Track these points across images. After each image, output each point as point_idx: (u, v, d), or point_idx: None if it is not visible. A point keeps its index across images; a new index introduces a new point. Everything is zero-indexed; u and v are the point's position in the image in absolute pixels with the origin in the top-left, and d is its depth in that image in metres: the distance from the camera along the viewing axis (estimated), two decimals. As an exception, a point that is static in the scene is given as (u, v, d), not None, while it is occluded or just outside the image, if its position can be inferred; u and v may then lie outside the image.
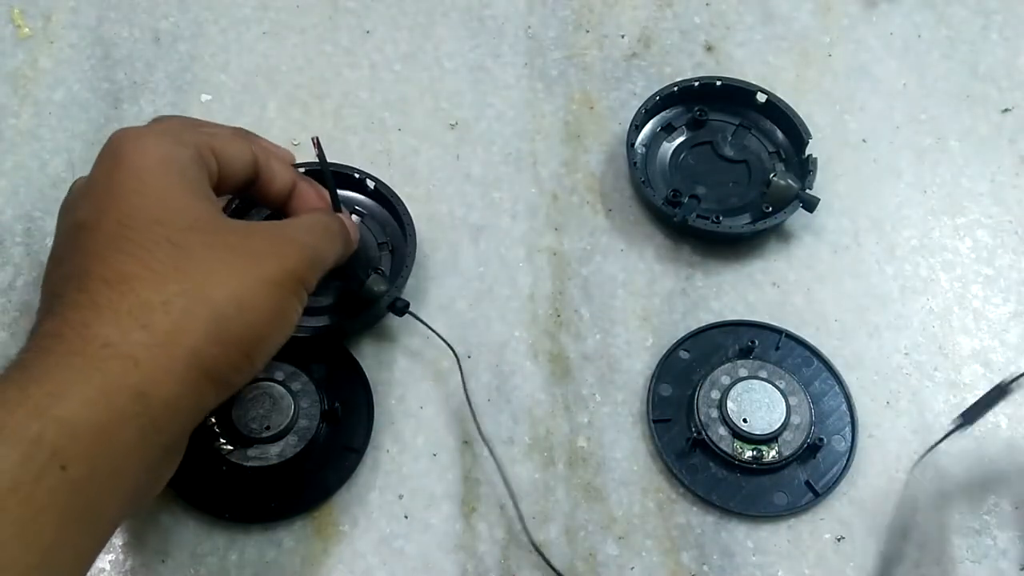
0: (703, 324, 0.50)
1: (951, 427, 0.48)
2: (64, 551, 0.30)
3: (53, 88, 0.56)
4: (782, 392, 0.47)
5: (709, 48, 0.59)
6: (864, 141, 0.56)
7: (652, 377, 0.49)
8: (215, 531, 0.45)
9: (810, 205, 0.51)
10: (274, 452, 0.45)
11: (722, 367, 0.48)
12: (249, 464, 0.45)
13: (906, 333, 0.51)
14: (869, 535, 0.46)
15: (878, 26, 0.60)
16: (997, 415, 0.49)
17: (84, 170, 0.54)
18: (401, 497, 0.47)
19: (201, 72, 0.58)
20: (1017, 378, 0.48)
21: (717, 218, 0.51)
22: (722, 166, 0.54)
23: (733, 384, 0.47)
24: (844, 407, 0.48)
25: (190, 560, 0.45)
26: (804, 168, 0.53)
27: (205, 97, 0.57)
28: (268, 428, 0.45)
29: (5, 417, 0.30)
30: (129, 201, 0.36)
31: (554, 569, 0.44)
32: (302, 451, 0.45)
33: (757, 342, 0.49)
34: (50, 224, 0.52)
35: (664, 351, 0.50)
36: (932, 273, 0.53)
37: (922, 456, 0.47)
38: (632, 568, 0.45)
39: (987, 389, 0.49)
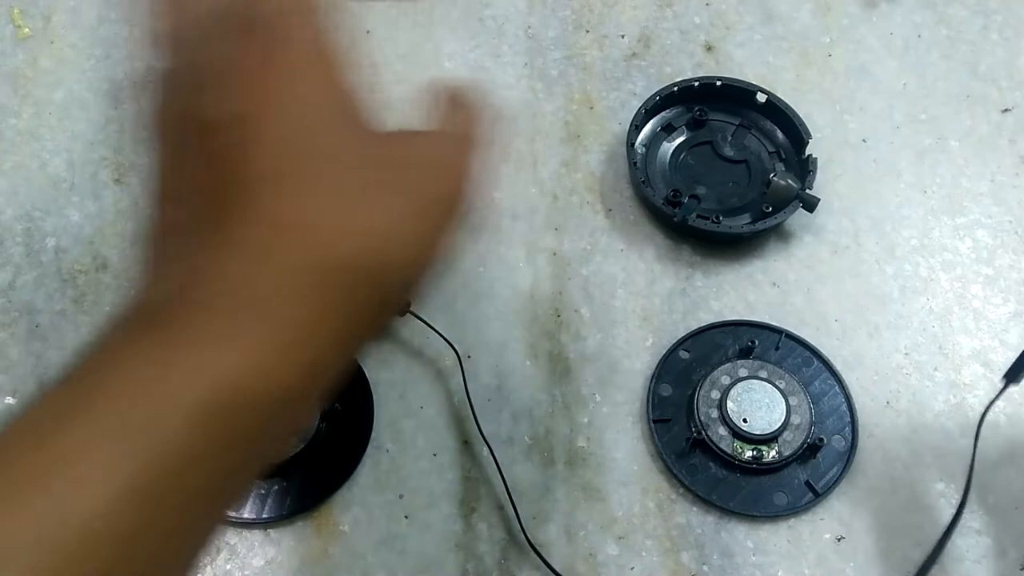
0: (703, 324, 0.50)
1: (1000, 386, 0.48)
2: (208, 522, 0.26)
3: (53, 88, 0.56)
4: (782, 392, 0.47)
5: (709, 48, 0.59)
6: (864, 141, 0.56)
7: (652, 377, 0.49)
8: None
9: (810, 205, 0.51)
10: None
11: (722, 367, 0.48)
12: (249, 464, 0.45)
13: (906, 333, 0.51)
14: (869, 535, 0.46)
15: (878, 26, 0.60)
16: (997, 414, 0.49)
17: (84, 170, 0.54)
18: (401, 497, 0.47)
19: (201, 72, 0.57)
20: None
21: (717, 218, 0.51)
22: (722, 166, 0.54)
23: (733, 384, 0.47)
24: (844, 407, 0.48)
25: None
26: (804, 168, 0.53)
27: (205, 97, 0.57)
28: (268, 428, 0.45)
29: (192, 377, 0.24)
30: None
31: (552, 569, 0.44)
32: (302, 451, 0.45)
33: (757, 342, 0.49)
34: (50, 224, 0.52)
35: (664, 351, 0.50)
36: (932, 273, 0.53)
37: (983, 416, 0.47)
38: (632, 568, 0.45)
39: (987, 388, 0.49)
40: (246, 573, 0.45)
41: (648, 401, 0.48)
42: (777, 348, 0.50)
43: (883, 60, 0.59)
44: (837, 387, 0.49)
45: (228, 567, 0.45)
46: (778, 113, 0.54)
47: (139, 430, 0.23)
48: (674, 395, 0.49)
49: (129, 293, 0.28)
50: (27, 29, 0.58)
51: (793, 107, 0.54)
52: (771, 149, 0.54)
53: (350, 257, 0.28)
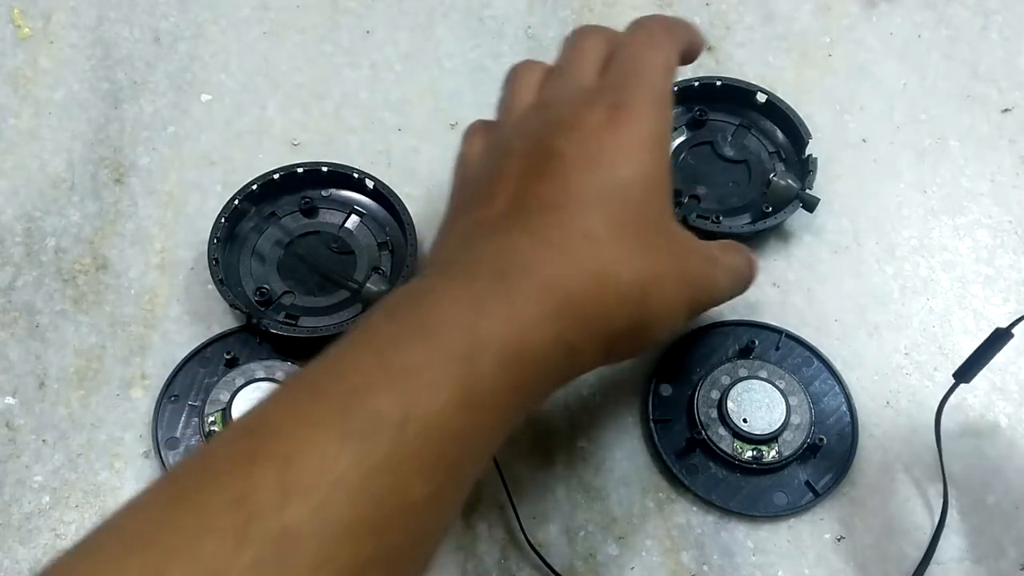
0: (703, 324, 0.50)
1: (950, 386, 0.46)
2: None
3: (53, 88, 0.56)
4: (782, 392, 0.47)
5: (709, 48, 0.59)
6: (864, 141, 0.56)
7: (652, 377, 0.49)
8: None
9: (810, 205, 0.51)
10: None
11: (722, 367, 0.48)
12: (249, 464, 0.45)
13: (906, 333, 0.51)
14: (869, 535, 0.46)
15: (878, 26, 0.60)
16: (997, 414, 0.49)
17: (84, 170, 0.54)
18: (401, 497, 0.47)
19: (201, 72, 0.58)
20: (1016, 323, 0.44)
21: (717, 218, 0.51)
22: (722, 166, 0.54)
23: (733, 384, 0.47)
24: (844, 407, 0.48)
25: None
26: (804, 168, 0.53)
27: (205, 97, 0.57)
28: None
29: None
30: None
31: (552, 569, 0.44)
32: (302, 451, 0.45)
33: (757, 342, 0.49)
34: (50, 224, 0.52)
35: (664, 351, 0.50)
36: (932, 273, 0.53)
37: (938, 414, 0.46)
38: (632, 568, 0.45)
39: (986, 387, 0.49)
40: (246, 573, 0.45)
41: (648, 401, 0.48)
42: (777, 348, 0.50)
43: (883, 60, 0.59)
44: (837, 387, 0.49)
45: (228, 567, 0.45)
46: (778, 113, 0.54)
47: (462, 359, 0.31)
48: (674, 395, 0.49)
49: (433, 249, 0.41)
50: (27, 29, 0.58)
51: (793, 107, 0.54)
52: (771, 149, 0.54)
53: (629, 287, 0.36)
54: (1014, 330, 0.43)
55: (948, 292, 0.52)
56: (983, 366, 0.44)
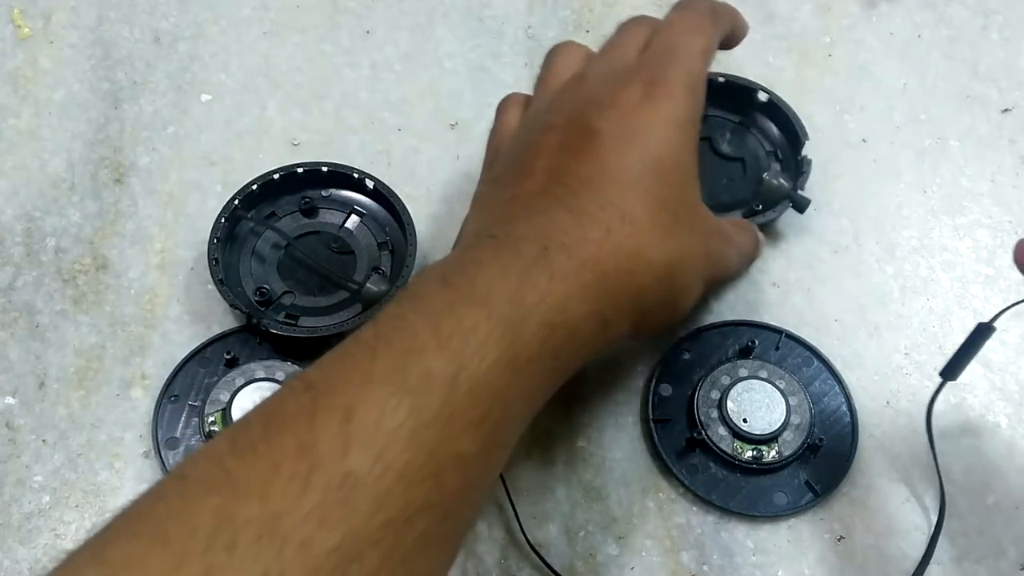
0: (703, 324, 0.50)
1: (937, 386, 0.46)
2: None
3: (53, 88, 0.56)
4: (782, 392, 0.47)
5: (709, 48, 0.59)
6: (864, 141, 0.56)
7: (652, 377, 0.49)
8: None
9: (800, 206, 0.51)
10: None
11: (722, 367, 0.48)
12: (249, 464, 0.45)
13: (906, 333, 0.51)
14: (869, 535, 0.46)
15: (878, 26, 0.60)
16: (997, 415, 0.49)
17: (84, 170, 0.54)
18: (401, 497, 0.47)
19: (201, 72, 0.58)
20: (998, 315, 0.43)
21: None
22: (718, 163, 0.54)
23: (733, 384, 0.47)
24: (844, 407, 0.48)
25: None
26: (799, 169, 0.53)
27: (205, 97, 0.57)
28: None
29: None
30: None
31: (552, 569, 0.44)
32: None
33: (757, 342, 0.49)
34: (50, 224, 0.52)
35: (664, 351, 0.50)
36: (932, 273, 0.53)
37: (929, 411, 0.47)
38: (632, 568, 0.45)
39: (986, 388, 0.49)
40: (246, 573, 0.45)
41: (648, 401, 0.48)
42: (777, 348, 0.50)
43: (883, 60, 0.59)
44: (837, 387, 0.49)
45: (228, 567, 0.45)
46: (777, 112, 0.54)
47: (509, 326, 0.33)
48: (674, 395, 0.49)
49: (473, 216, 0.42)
50: (27, 29, 0.58)
51: (794, 108, 0.54)
52: (768, 148, 0.54)
53: (661, 266, 0.38)
54: (1014, 329, 0.43)
55: (948, 292, 0.52)
56: (968, 362, 0.44)
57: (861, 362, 0.50)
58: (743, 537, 0.46)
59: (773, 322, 0.51)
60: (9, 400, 0.48)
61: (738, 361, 0.48)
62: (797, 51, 0.59)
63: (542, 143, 0.40)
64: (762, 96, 0.55)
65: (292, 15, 0.60)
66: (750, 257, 0.49)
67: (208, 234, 0.49)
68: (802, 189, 0.52)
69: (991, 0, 0.61)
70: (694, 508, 0.46)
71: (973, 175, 0.56)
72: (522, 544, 0.45)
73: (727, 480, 0.46)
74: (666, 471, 0.47)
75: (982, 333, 0.43)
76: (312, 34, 0.59)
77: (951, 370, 0.45)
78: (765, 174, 0.52)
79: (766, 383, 0.47)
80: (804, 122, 0.54)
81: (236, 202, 0.50)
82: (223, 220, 0.49)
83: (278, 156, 0.55)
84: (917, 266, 0.53)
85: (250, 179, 0.51)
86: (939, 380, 0.46)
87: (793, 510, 0.46)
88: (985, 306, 0.52)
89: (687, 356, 0.50)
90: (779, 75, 0.58)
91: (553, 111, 0.41)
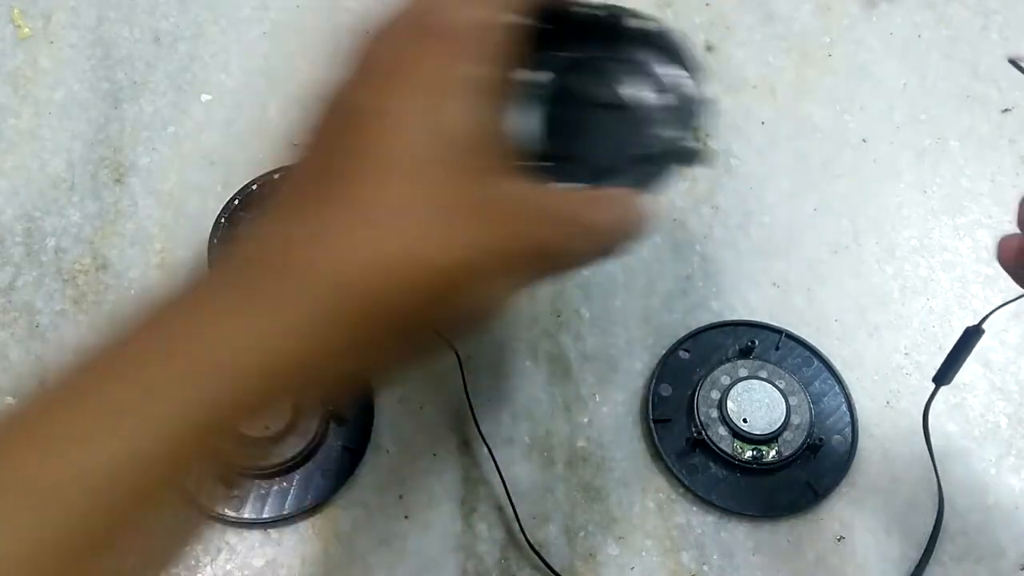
0: (703, 324, 0.50)
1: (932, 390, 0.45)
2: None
3: (53, 88, 0.56)
4: (782, 392, 0.47)
5: (709, 48, 0.59)
6: (864, 141, 0.56)
7: (652, 377, 0.49)
8: (215, 531, 0.45)
9: (687, 158, 0.39)
10: (274, 452, 0.45)
11: (722, 367, 0.48)
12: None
13: (906, 333, 0.51)
14: (869, 535, 0.46)
15: (878, 26, 0.60)
16: (997, 415, 0.49)
17: (84, 170, 0.54)
18: (401, 497, 0.47)
19: (201, 72, 0.58)
20: (986, 318, 0.43)
21: (592, 178, 0.39)
22: (595, 117, 0.35)
23: (733, 384, 0.47)
24: (844, 407, 0.48)
25: (190, 560, 0.45)
26: (691, 112, 0.39)
27: (205, 97, 0.57)
28: (268, 428, 0.45)
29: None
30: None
31: (552, 569, 0.44)
32: (302, 451, 0.45)
33: (757, 342, 0.49)
34: (50, 224, 0.52)
35: (664, 351, 0.50)
36: (932, 273, 0.53)
37: (925, 416, 0.45)
38: (632, 568, 0.45)
39: (986, 388, 0.49)
40: (246, 573, 0.45)
41: (648, 401, 0.48)
42: (777, 348, 0.50)
43: (883, 60, 0.59)
44: (837, 387, 0.49)
45: (228, 567, 0.45)
46: (662, 44, 0.38)
47: (215, 370, 0.29)
48: (674, 395, 0.49)
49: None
50: (27, 29, 0.58)
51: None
52: (658, 91, 0.38)
53: (439, 272, 0.29)
54: (1014, 330, 0.43)
55: (948, 292, 0.52)
56: (960, 366, 0.44)
57: (861, 362, 0.50)
58: (743, 537, 0.46)
59: (773, 322, 0.50)
60: (9, 400, 0.48)
61: (738, 361, 0.48)
62: (797, 51, 0.59)
63: (309, 128, 0.33)
64: (633, 22, 0.39)
65: (292, 15, 0.60)
66: (613, 238, 0.36)
67: (208, 234, 0.49)
68: (699, 140, 0.39)
69: (991, 0, 0.61)
70: (694, 508, 0.46)
71: (973, 175, 0.56)
72: (522, 544, 0.45)
73: (727, 480, 0.46)
74: (666, 471, 0.47)
75: (971, 336, 0.43)
76: (312, 34, 0.59)
77: (943, 375, 0.44)
78: (652, 126, 0.39)
79: (766, 383, 0.47)
80: (804, 122, 0.54)
81: (236, 202, 0.50)
82: (223, 220, 0.49)
83: (278, 156, 0.55)
84: (917, 266, 0.53)
85: (250, 179, 0.51)
86: (939, 381, 0.46)
87: (793, 510, 0.46)
88: (985, 306, 0.52)
89: (687, 356, 0.50)
90: (779, 75, 0.58)
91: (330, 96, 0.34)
